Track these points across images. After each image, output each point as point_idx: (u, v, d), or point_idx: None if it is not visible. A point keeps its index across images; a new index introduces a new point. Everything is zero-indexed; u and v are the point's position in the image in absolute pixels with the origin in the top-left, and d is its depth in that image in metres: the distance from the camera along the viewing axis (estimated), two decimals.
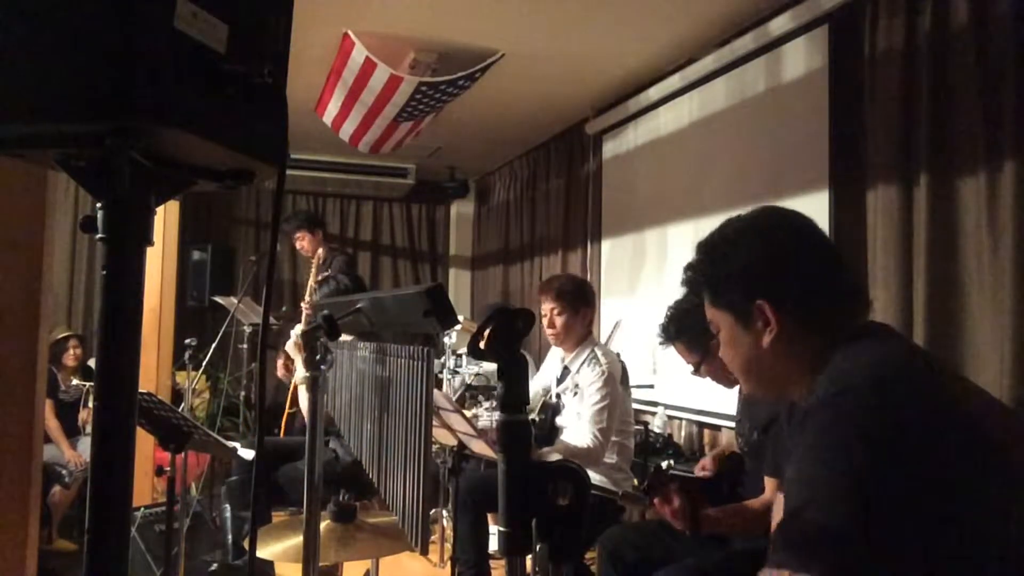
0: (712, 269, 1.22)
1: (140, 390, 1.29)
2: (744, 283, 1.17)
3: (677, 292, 2.34)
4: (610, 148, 4.95)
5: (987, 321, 2.47)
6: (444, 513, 4.00)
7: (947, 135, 2.62)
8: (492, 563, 2.99)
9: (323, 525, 1.74)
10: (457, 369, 4.60)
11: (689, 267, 1.27)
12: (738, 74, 3.72)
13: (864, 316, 1.18)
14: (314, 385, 1.42)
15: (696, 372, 2.36)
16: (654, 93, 4.31)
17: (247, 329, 5.27)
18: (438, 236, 7.62)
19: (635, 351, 3.91)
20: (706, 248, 1.24)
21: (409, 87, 3.91)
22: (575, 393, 2.93)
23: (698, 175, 4.03)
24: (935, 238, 2.62)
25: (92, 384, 0.89)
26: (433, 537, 3.87)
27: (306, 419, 1.57)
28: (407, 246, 7.44)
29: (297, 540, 1.63)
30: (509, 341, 0.89)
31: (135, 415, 0.71)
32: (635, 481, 3.10)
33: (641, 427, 3.52)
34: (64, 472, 4.00)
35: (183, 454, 2.38)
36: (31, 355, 1.70)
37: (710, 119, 3.95)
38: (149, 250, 0.72)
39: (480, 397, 4.17)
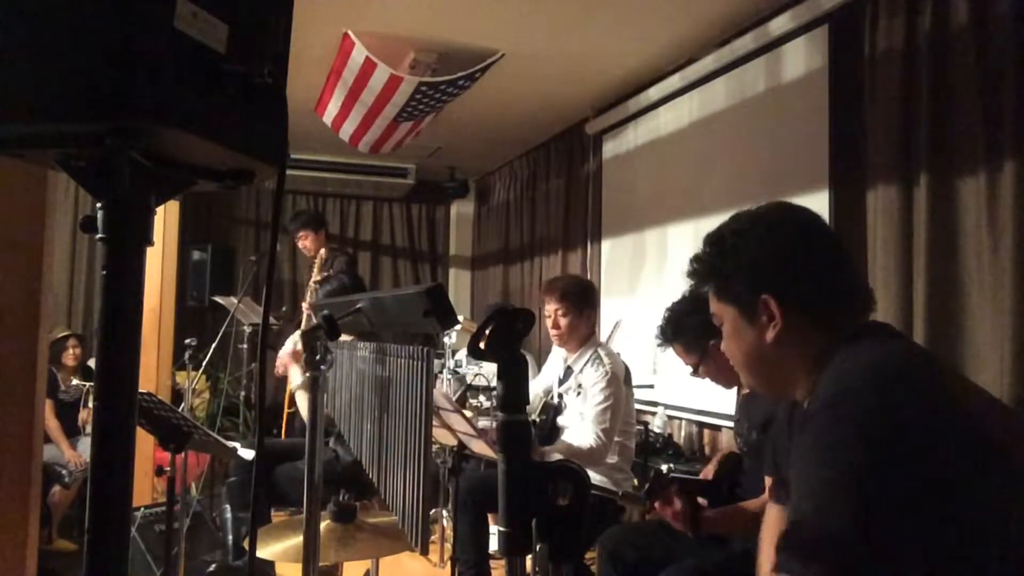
0: (720, 261, 1.21)
1: (140, 390, 1.29)
2: (751, 277, 1.16)
3: (677, 292, 2.35)
4: (610, 148, 4.95)
5: (987, 321, 2.47)
6: (444, 513, 3.99)
7: (947, 135, 2.62)
8: (492, 563, 2.99)
9: (323, 525, 1.74)
10: (457, 369, 4.60)
11: (696, 259, 1.26)
12: (738, 74, 3.72)
13: (867, 315, 1.18)
14: (314, 385, 1.42)
15: (695, 373, 2.37)
16: (654, 93, 4.31)
17: (247, 329, 5.26)
18: (438, 236, 7.62)
19: (635, 351, 3.91)
20: (714, 240, 1.23)
21: (409, 87, 3.91)
22: (578, 393, 2.93)
23: (698, 175, 4.03)
24: (935, 238, 2.62)
25: (92, 384, 0.89)
26: (433, 537, 3.87)
27: (306, 420, 1.57)
28: (407, 246, 7.44)
29: (297, 540, 1.63)
30: (509, 341, 0.89)
31: (135, 415, 0.71)
32: (635, 481, 3.10)
33: (641, 427, 3.53)
34: (64, 472, 4.00)
35: (183, 454, 2.38)
36: (31, 355, 1.70)
37: (710, 119, 3.95)
38: (149, 250, 0.72)
39: (481, 397, 4.17)
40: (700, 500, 2.08)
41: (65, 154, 0.69)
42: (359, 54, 3.73)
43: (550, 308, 3.00)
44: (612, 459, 2.86)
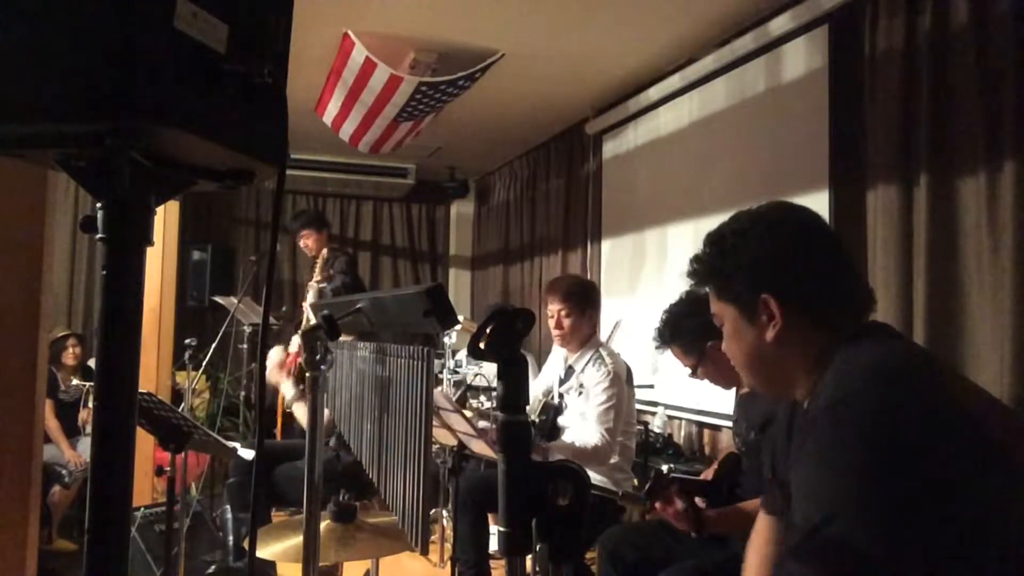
0: (720, 261, 1.21)
1: (140, 390, 1.29)
2: (751, 276, 1.16)
3: (677, 292, 2.35)
4: (610, 148, 4.95)
5: (987, 321, 2.47)
6: (444, 513, 3.99)
7: (947, 135, 2.62)
8: (492, 563, 2.99)
9: (323, 525, 1.74)
10: (457, 369, 4.60)
11: (696, 259, 1.26)
12: (738, 74, 3.72)
13: (868, 315, 1.19)
14: (314, 385, 1.42)
15: (693, 375, 2.37)
16: (654, 93, 4.31)
17: (247, 329, 5.26)
18: (438, 236, 7.63)
19: (635, 351, 3.91)
20: (714, 240, 1.23)
21: (409, 87, 3.91)
22: (580, 393, 2.94)
23: (698, 175, 4.03)
24: (935, 238, 2.62)
25: (92, 384, 0.89)
26: (433, 537, 3.87)
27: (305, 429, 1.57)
28: (407, 246, 7.44)
29: (297, 540, 1.63)
30: (509, 341, 0.89)
31: (135, 415, 0.71)
32: (635, 481, 3.10)
33: (641, 427, 3.53)
34: (64, 472, 4.00)
35: (183, 454, 2.38)
36: (31, 355, 1.70)
37: (710, 119, 3.95)
38: (149, 250, 0.71)
39: (482, 397, 4.17)
40: (699, 500, 2.08)
41: (65, 154, 0.69)
42: (359, 54, 3.73)
43: (553, 308, 3.00)
44: (612, 459, 2.86)
